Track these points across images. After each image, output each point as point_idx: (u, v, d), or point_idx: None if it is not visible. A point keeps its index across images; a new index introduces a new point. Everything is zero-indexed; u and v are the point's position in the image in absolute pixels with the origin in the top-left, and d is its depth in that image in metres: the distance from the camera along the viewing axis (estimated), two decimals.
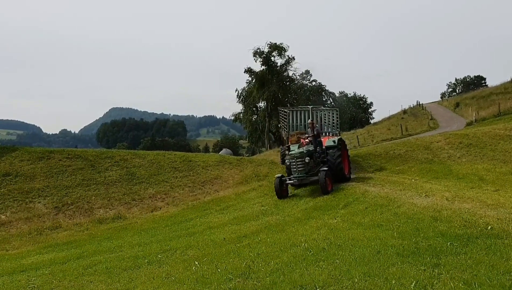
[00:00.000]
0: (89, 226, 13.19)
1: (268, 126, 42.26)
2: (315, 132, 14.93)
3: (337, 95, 52.78)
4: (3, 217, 13.51)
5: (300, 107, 21.21)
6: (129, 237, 10.95)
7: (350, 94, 77.94)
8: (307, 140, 15.06)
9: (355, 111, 72.19)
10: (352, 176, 16.38)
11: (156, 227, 11.86)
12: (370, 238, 7.37)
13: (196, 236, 9.91)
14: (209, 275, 6.20)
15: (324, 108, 21.05)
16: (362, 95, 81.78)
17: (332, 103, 47.63)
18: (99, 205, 14.70)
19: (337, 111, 19.97)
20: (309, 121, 15.73)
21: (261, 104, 44.85)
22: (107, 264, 7.86)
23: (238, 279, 5.77)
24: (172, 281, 6.16)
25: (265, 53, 43.30)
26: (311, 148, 14.54)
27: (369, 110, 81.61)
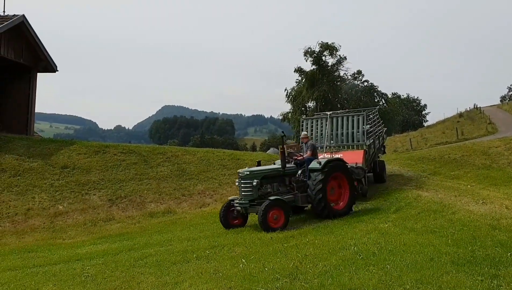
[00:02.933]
0: (141, 219, 13.58)
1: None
2: (307, 148, 11.91)
3: (389, 96, 51.41)
4: (60, 207, 14.17)
5: (317, 114, 16.92)
6: (178, 231, 11.17)
7: (403, 95, 75.87)
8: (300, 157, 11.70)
9: (408, 113, 70.14)
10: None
11: (204, 223, 12.03)
12: (423, 244, 7.12)
13: (243, 234, 9.95)
14: (256, 273, 6.20)
15: (347, 113, 15.90)
16: (415, 97, 79.42)
17: (385, 105, 46.40)
18: (150, 199, 15.10)
19: (363, 116, 14.64)
20: (303, 134, 12.72)
21: (310, 104, 44.51)
22: (157, 257, 8.05)
23: (286, 279, 5.73)
24: (220, 277, 6.21)
25: (316, 52, 42.94)
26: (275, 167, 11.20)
27: (423, 112, 79.05)
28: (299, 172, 11.10)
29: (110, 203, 14.66)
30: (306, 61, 43.85)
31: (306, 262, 6.53)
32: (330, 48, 42.86)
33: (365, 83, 47.02)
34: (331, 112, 15.91)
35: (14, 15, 20.34)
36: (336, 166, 11.11)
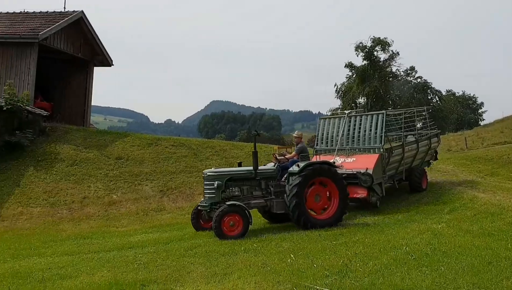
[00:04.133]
0: (190, 211, 13.80)
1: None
2: (297, 148, 11.01)
3: (443, 93, 49.55)
4: (114, 196, 14.72)
5: (335, 114, 15.48)
6: None
7: (458, 93, 72.81)
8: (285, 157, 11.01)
9: (462, 111, 67.26)
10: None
11: (253, 217, 12.06)
12: (480, 247, 6.82)
13: (290, 229, 9.92)
14: (304, 269, 6.17)
15: (365, 112, 14.40)
16: (472, 95, 76.01)
17: (438, 102, 44.77)
18: (199, 191, 15.36)
19: (383, 116, 12.68)
20: (296, 133, 11.72)
21: (361, 100, 43.69)
22: (206, 248, 8.18)
23: (335, 277, 5.65)
24: (268, 271, 6.22)
25: (367, 47, 42.05)
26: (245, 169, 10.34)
27: (479, 110, 75.53)
28: (286, 175, 10.09)
29: (161, 194, 15.05)
30: (357, 56, 43.06)
31: (356, 260, 6.42)
32: (382, 43, 41.84)
33: (418, 80, 45.54)
34: (349, 110, 14.18)
35: (74, 11, 21.25)
36: (319, 170, 9.77)
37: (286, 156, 11.07)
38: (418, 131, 15.18)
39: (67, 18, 20.21)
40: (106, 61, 23.64)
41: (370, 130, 12.61)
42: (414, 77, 45.89)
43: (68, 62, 22.87)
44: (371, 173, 11.25)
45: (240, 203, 9.33)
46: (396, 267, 5.94)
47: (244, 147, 19.85)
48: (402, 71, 44.93)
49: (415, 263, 6.09)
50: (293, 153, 11.07)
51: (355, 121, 13.22)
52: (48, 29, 18.92)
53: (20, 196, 14.26)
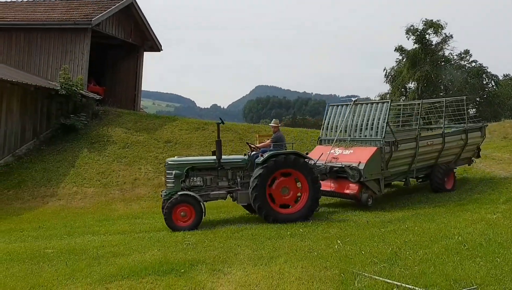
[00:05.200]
0: None
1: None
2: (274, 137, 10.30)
3: (500, 78, 47.01)
4: (163, 179, 15.03)
5: (342, 101, 13.35)
6: None
7: None
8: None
9: None
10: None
11: None
12: None
13: (337, 216, 9.86)
14: (352, 255, 6.11)
15: (370, 101, 12.84)
16: None
17: (494, 87, 42.59)
18: None
19: (387, 105, 11.50)
20: (273, 122, 10.87)
21: (411, 85, 42.24)
22: (252, 231, 8.27)
23: (384, 264, 5.56)
24: (314, 256, 6.20)
25: (419, 30, 40.44)
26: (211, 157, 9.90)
27: None
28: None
29: None
30: (408, 39, 41.35)
31: (405, 249, 6.28)
32: (434, 26, 40.02)
33: (473, 64, 43.43)
34: (356, 98, 12.81)
35: None
36: (283, 162, 9.24)
37: (257, 145, 10.65)
38: (450, 124, 13.71)
39: (118, 4, 20.70)
40: (155, 46, 24.11)
41: (373, 121, 11.37)
42: (468, 61, 43.80)
43: (119, 47, 23.50)
44: (361, 167, 10.24)
45: (193, 194, 9.08)
46: (448, 256, 5.76)
47: (291, 132, 19.77)
48: (456, 55, 42.96)
49: (468, 253, 5.88)
50: (267, 142, 10.52)
51: (360, 110, 11.99)
52: (101, 15, 19.47)
53: (75, 176, 14.92)
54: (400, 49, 41.81)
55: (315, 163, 10.08)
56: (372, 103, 12.10)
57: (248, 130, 19.31)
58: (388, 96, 42.77)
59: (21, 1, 22.67)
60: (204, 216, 9.16)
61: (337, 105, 12.97)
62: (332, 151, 11.34)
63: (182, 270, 5.76)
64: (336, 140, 11.84)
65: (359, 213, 10.01)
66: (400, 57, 42.99)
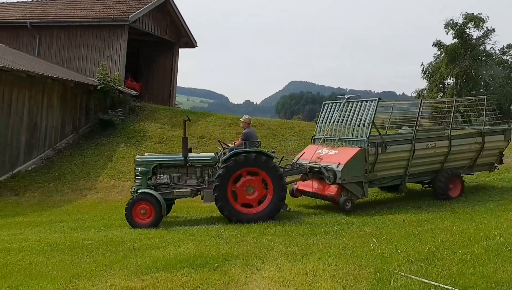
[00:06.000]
0: None
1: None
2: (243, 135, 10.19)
3: None
4: None
5: (337, 98, 12.27)
6: (305, 204, 11.28)
7: None
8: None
9: None
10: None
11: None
12: None
13: (373, 214, 9.69)
14: (388, 254, 6.00)
15: (358, 99, 11.53)
16: None
17: None
18: None
19: (375, 104, 10.55)
20: (242, 117, 10.90)
21: (450, 81, 41.05)
22: (285, 227, 8.25)
23: (421, 264, 5.43)
24: (349, 254, 6.13)
25: (458, 24, 39.23)
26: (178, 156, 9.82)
27: None
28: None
29: None
30: (447, 34, 40.21)
31: (443, 248, 6.11)
32: (475, 19, 38.73)
33: None
34: (349, 95, 11.95)
35: None
36: (244, 161, 9.05)
37: (227, 143, 10.58)
38: (464, 125, 12.60)
39: (154, 1, 21.06)
40: (190, 43, 24.39)
41: (360, 120, 10.64)
42: (511, 55, 42.19)
43: (155, 44, 23.90)
44: (339, 169, 9.77)
45: (152, 192, 9.11)
46: (489, 258, 5.57)
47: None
48: (498, 50, 41.46)
49: (510, 255, 5.66)
50: (238, 140, 10.29)
51: (351, 108, 11.23)
52: (137, 11, 19.86)
53: (113, 170, 15.30)
54: (438, 44, 40.70)
55: (280, 162, 9.95)
56: (361, 101, 11.13)
57: (281, 126, 19.25)
58: (425, 92, 41.78)
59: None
60: (165, 214, 9.32)
61: (332, 103, 12.19)
62: (319, 150, 10.95)
63: (216, 264, 5.81)
64: (325, 139, 11.45)
65: (395, 211, 9.83)
66: (438, 52, 41.87)
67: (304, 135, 18.38)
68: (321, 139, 11.64)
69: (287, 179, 10.36)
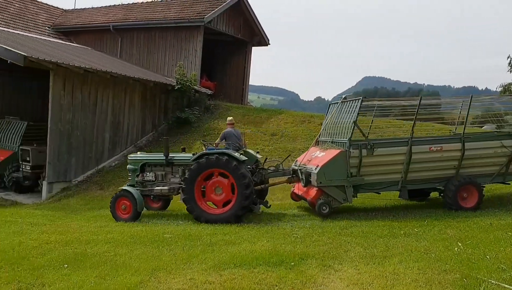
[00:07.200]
0: None
1: None
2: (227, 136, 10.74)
3: None
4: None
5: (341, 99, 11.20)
6: (382, 206, 10.93)
7: None
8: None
9: None
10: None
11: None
12: None
13: (456, 216, 9.13)
14: (475, 259, 5.62)
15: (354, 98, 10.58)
16: None
17: None
18: None
19: (359, 103, 9.79)
20: (227, 119, 11.49)
21: None
22: (362, 228, 8.02)
23: None
24: (432, 258, 5.82)
25: None
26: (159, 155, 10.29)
27: None
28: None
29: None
30: None
31: None
32: None
33: None
34: (346, 95, 11.26)
35: None
36: (207, 163, 9.19)
37: (209, 143, 10.82)
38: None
39: (229, 1, 21.41)
40: (263, 41, 24.54)
41: (347, 121, 9.99)
42: None
43: (229, 43, 24.33)
44: (316, 172, 9.30)
45: (130, 189, 9.71)
46: None
47: (402, 125, 18.85)
48: None
49: None
50: (219, 142, 10.73)
51: (344, 108, 10.51)
52: (212, 12, 20.32)
53: None
54: None
55: (263, 163, 10.26)
56: (349, 101, 10.47)
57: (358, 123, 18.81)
58: None
59: (141, 3, 24.52)
60: (140, 210, 9.73)
61: (335, 104, 11.38)
62: (313, 153, 10.49)
63: (292, 263, 5.78)
64: (322, 141, 11.07)
65: (480, 213, 9.19)
66: None
67: (380, 132, 17.82)
68: (323, 141, 11.23)
69: (277, 180, 10.78)
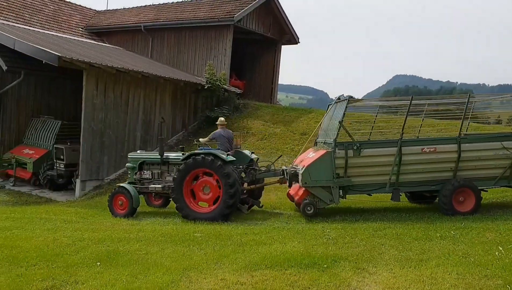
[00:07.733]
0: None
1: None
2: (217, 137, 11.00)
3: None
4: None
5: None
6: (415, 208, 10.65)
7: None
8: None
9: None
10: None
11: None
12: None
13: (495, 218, 8.79)
14: None
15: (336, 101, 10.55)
16: None
17: None
18: None
19: (345, 104, 9.65)
20: (219, 119, 11.72)
21: None
22: (396, 230, 7.81)
23: None
24: (471, 262, 5.60)
25: None
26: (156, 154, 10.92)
27: None
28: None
29: None
30: None
31: None
32: None
33: None
34: (340, 95, 10.65)
35: None
36: (198, 162, 9.45)
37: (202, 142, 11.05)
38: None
39: None
40: (293, 40, 24.36)
41: (335, 121, 9.86)
42: None
43: (258, 42, 24.25)
44: (301, 172, 9.20)
45: (126, 186, 10.16)
46: None
47: (436, 124, 18.37)
48: None
49: None
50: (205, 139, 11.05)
51: (334, 109, 10.47)
52: (242, 11, 20.28)
53: None
54: None
55: (240, 165, 10.28)
56: (340, 102, 10.21)
57: (389, 122, 18.42)
58: None
59: (171, 3, 24.73)
60: (135, 207, 10.12)
61: (331, 104, 11.14)
62: (307, 153, 10.36)
63: (325, 265, 5.66)
64: (318, 142, 10.99)
65: None
66: None
67: (414, 132, 17.42)
68: (319, 141, 11.08)
69: (268, 180, 10.84)
